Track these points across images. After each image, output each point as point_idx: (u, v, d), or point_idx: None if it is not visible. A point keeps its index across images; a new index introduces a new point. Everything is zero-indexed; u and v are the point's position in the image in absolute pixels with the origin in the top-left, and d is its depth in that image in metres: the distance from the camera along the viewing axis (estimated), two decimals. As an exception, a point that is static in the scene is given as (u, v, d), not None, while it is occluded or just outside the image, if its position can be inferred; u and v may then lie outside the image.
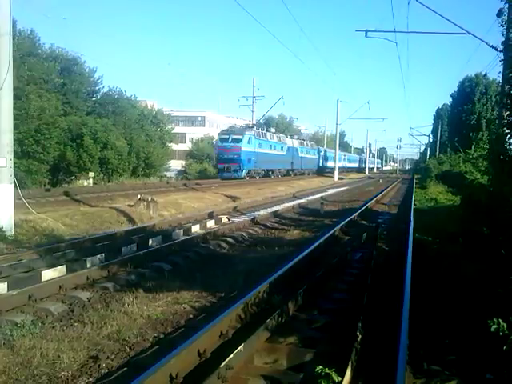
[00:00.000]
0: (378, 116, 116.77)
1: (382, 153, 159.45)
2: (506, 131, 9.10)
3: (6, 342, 4.98)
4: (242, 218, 15.26)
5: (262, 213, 16.82)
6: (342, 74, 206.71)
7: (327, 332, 5.35)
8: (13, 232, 10.58)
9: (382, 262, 8.68)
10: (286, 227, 13.85)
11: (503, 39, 11.10)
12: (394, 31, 20.63)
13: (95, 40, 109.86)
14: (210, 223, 13.60)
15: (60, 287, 6.78)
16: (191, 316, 6.03)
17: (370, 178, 64.40)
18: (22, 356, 4.67)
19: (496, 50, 13.86)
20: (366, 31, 19.31)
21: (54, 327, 5.45)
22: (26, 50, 30.19)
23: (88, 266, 8.13)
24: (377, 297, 6.43)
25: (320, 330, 5.45)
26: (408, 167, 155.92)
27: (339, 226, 12.76)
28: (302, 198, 23.94)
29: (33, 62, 29.99)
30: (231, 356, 4.17)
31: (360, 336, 4.78)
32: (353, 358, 4.28)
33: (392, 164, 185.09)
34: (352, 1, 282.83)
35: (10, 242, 10.12)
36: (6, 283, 6.67)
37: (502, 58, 11.15)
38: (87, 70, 39.53)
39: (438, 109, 74.42)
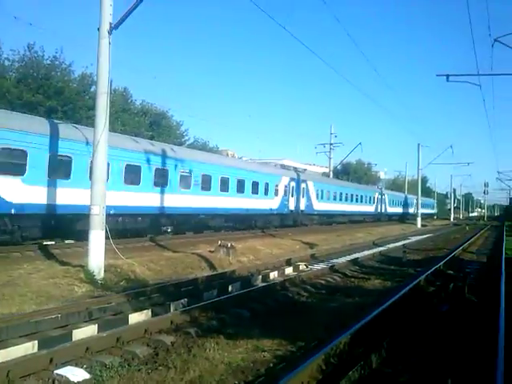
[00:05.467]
0: (463, 160, 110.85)
1: (467, 198, 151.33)
2: None
3: (97, 383, 5.21)
4: (320, 266, 15.07)
5: (340, 260, 16.52)
6: (422, 118, 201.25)
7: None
8: (102, 276, 11.18)
9: (471, 316, 8.14)
10: (366, 276, 13.46)
11: None
12: (478, 74, 19.79)
13: (181, 96, 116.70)
14: (288, 270, 13.58)
15: (145, 330, 7.03)
16: (271, 364, 5.97)
17: (455, 224, 61.24)
18: (110, 396, 4.86)
19: None
20: (448, 76, 18.82)
21: (139, 370, 5.62)
22: (119, 106, 32.69)
23: (172, 310, 8.39)
24: (466, 357, 6.02)
25: (406, 387, 5.18)
26: (497, 213, 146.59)
27: (424, 276, 12.20)
28: (382, 246, 23.23)
29: (126, 117, 32.39)
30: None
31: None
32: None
33: (479, 210, 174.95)
34: (432, 44, 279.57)
35: (99, 285, 10.70)
36: (97, 325, 7.05)
37: None
38: (174, 123, 41.87)
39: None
